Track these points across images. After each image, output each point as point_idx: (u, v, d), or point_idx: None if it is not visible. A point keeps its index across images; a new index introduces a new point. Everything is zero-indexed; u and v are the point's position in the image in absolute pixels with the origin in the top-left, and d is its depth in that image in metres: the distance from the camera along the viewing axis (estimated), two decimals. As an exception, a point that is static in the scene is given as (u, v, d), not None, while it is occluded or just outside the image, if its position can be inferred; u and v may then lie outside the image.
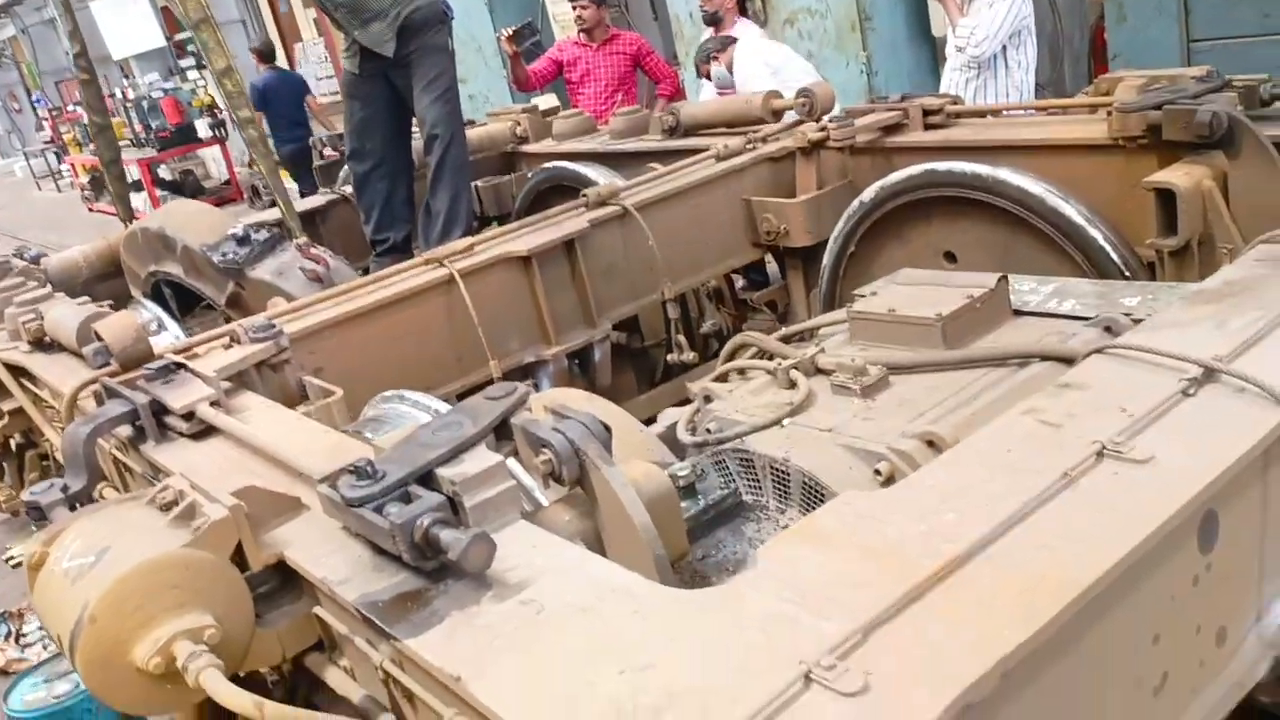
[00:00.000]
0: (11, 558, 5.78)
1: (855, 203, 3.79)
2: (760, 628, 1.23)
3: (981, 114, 4.06)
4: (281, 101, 10.77)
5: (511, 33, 7.17)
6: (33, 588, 1.63)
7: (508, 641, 1.29)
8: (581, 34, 7.49)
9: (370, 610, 1.41)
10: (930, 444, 2.00)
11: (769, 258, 4.55)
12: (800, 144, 4.13)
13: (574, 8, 7.47)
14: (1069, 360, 2.10)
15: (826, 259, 3.95)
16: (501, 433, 1.74)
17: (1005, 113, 4.31)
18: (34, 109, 26.95)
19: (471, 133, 5.54)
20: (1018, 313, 2.50)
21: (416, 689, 1.36)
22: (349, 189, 5.26)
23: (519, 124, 5.78)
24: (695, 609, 1.30)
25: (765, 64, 6.07)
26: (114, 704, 1.51)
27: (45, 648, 4.80)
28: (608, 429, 1.68)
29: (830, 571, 1.32)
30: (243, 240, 4.01)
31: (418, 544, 1.43)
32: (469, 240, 3.65)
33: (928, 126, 3.84)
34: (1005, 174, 3.27)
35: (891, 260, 3.58)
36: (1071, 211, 3.11)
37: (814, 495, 2.07)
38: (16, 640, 4.93)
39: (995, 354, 2.27)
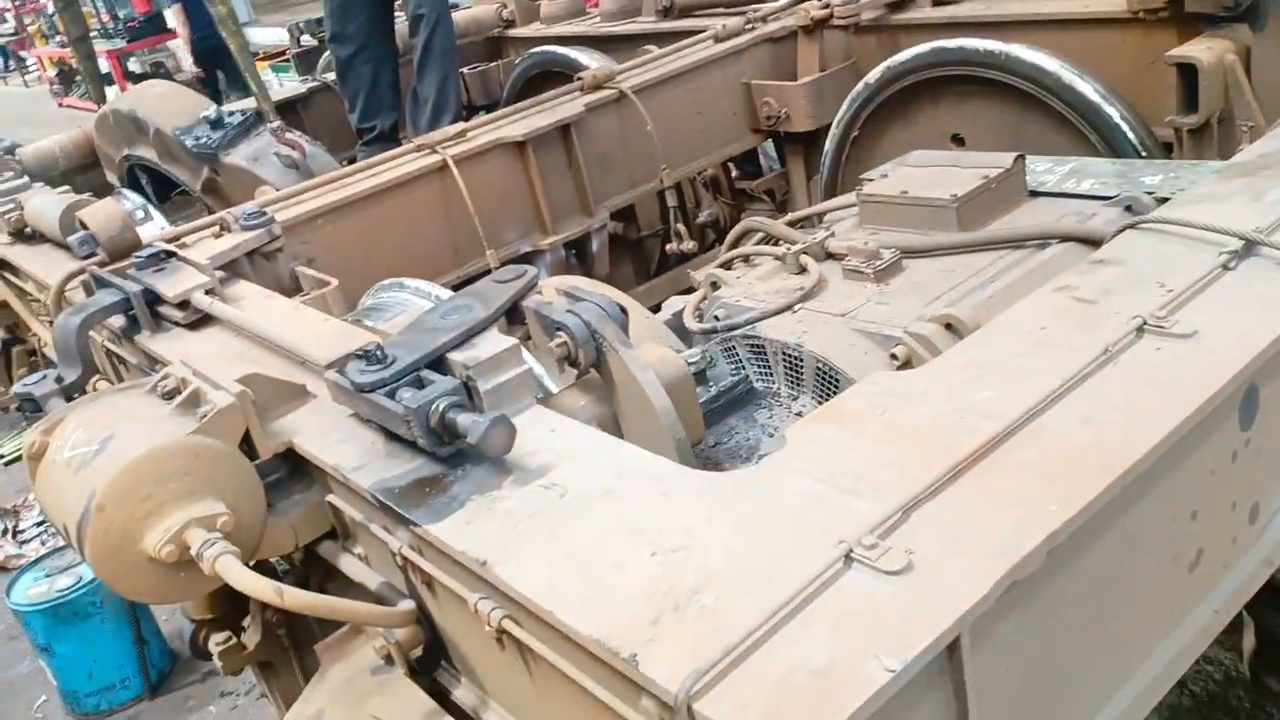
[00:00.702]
0: (2, 455, 5.75)
1: (860, 84, 3.67)
2: (794, 509, 1.19)
3: (991, -12, 3.90)
4: None
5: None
6: (33, 478, 1.58)
7: (532, 525, 1.25)
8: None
9: (387, 497, 1.38)
10: (949, 327, 1.95)
11: (764, 147, 4.43)
12: (802, 23, 3.98)
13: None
14: (1092, 241, 2.04)
15: (829, 144, 3.84)
16: (511, 317, 1.68)
17: (1016, -13, 4.14)
18: (-7, 0, 25.91)
19: (455, 16, 5.32)
20: (1034, 193, 2.43)
21: (438, 574, 1.33)
22: (331, 76, 5.07)
23: (505, 6, 5.57)
24: (724, 490, 1.27)
25: None
26: (125, 593, 1.47)
27: (43, 543, 4.79)
28: (624, 311, 1.63)
29: (863, 452, 1.28)
30: (216, 123, 3.87)
31: (434, 429, 1.39)
32: (461, 125, 3.53)
33: (936, 2, 3.69)
34: (1019, 50, 3.15)
35: (897, 145, 3.47)
36: (1088, 89, 3.01)
37: (828, 381, 2.03)
38: (14, 536, 4.93)
39: (1015, 235, 2.20)
